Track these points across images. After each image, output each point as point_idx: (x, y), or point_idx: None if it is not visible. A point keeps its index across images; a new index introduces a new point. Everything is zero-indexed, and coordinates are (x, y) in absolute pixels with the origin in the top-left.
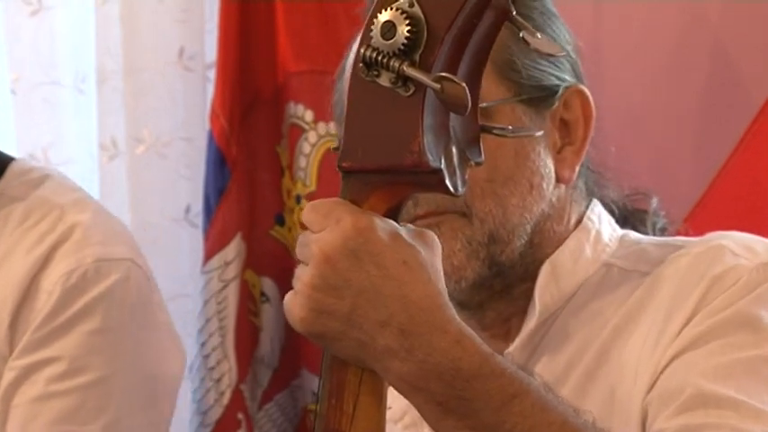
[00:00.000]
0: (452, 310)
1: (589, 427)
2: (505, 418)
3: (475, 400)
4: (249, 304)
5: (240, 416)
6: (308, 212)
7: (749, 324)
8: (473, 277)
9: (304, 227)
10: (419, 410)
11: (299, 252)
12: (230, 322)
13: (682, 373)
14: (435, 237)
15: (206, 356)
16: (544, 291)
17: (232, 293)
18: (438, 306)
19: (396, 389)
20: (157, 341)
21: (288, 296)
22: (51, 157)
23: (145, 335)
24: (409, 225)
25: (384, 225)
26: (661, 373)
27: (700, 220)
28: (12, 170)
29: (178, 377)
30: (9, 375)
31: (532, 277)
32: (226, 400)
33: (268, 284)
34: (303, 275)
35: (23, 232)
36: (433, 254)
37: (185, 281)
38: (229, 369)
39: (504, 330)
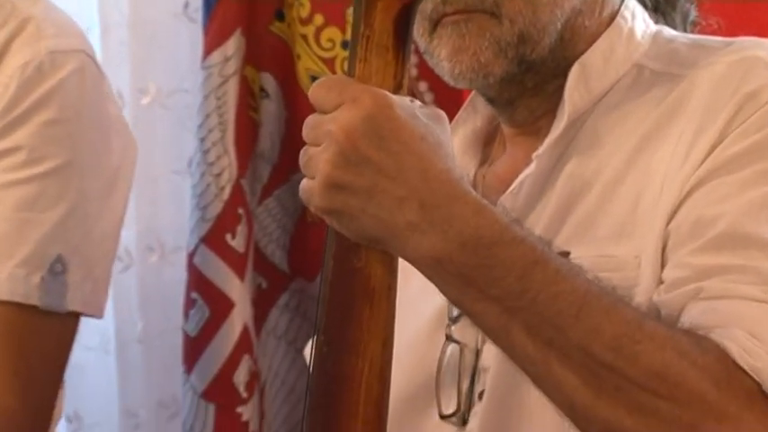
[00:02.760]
0: (469, 185)
1: (611, 293)
2: (528, 285)
3: (497, 267)
4: (249, 99)
5: (240, 210)
6: (319, 90)
7: None
8: (500, 74)
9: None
10: (440, 287)
11: (309, 134)
12: (230, 117)
13: (710, 204)
14: (446, 117)
15: (206, 152)
16: (573, 91)
17: (232, 89)
18: (456, 180)
19: (416, 265)
20: (113, 131)
21: (303, 182)
22: None
23: (100, 124)
24: (422, 105)
25: (402, 103)
26: (688, 195)
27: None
28: None
29: (131, 169)
30: None
31: (564, 74)
32: (226, 195)
33: (267, 80)
34: (321, 154)
35: None
36: (446, 133)
37: (184, 76)
38: (229, 164)
39: (535, 129)
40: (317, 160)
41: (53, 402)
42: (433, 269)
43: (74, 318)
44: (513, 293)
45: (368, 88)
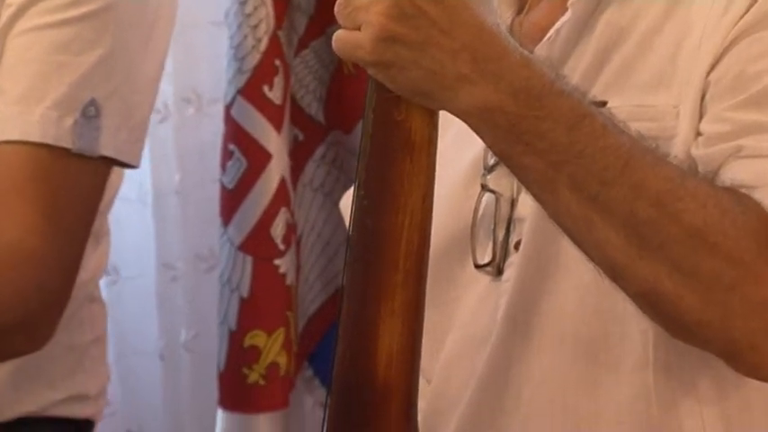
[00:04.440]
0: (514, 40)
1: (654, 151)
2: (576, 138)
3: (546, 119)
4: None
5: (277, 62)
6: None
7: None
8: None
9: None
10: (488, 140)
11: None
12: None
13: (753, 58)
14: None
15: (243, 3)
16: None
17: None
18: (505, 35)
19: (465, 118)
20: None
21: (341, 33)
22: None
23: None
24: None
25: None
26: (729, 46)
27: None
28: None
29: (170, 19)
30: (7, 12)
31: None
32: (263, 46)
33: None
34: (373, 6)
35: None
36: None
37: None
38: (266, 15)
39: None
40: (368, 12)
41: (81, 249)
42: (482, 121)
43: (106, 165)
44: (561, 146)
45: None
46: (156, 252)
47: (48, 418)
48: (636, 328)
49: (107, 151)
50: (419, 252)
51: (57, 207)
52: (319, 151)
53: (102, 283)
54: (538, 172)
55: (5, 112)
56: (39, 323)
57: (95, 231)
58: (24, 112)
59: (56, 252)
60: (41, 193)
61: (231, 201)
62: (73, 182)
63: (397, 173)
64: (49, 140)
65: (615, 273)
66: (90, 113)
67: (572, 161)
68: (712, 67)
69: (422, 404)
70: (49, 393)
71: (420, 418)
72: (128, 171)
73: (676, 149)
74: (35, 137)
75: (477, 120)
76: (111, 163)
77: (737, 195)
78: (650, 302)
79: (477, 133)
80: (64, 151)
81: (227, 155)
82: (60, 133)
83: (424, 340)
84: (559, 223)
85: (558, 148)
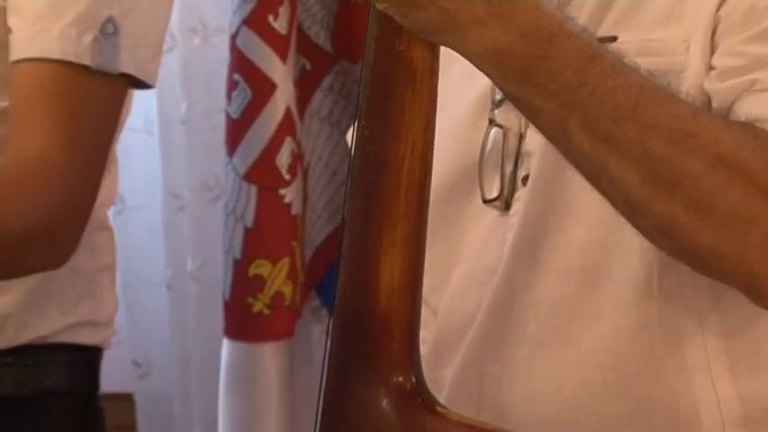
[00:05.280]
0: None
1: (665, 88)
2: (586, 78)
3: (556, 60)
4: None
5: None
6: None
7: None
8: None
9: None
10: (498, 81)
11: None
12: None
13: None
14: None
15: None
16: None
17: None
18: None
19: (474, 59)
20: None
21: None
22: None
23: None
24: None
25: None
26: None
27: None
28: None
29: None
30: None
31: None
32: None
33: None
34: None
35: None
36: None
37: None
38: None
39: None
40: None
41: (102, 166)
42: (492, 62)
43: (125, 84)
44: (571, 87)
45: None
46: (162, 181)
47: (57, 345)
48: (640, 260)
49: (127, 68)
50: (420, 183)
51: (77, 122)
52: (326, 81)
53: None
54: (549, 113)
55: (25, 31)
56: (60, 236)
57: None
58: (44, 30)
59: (77, 166)
60: (62, 109)
61: (236, 130)
62: (93, 98)
63: (398, 103)
64: (69, 57)
65: (631, 210)
66: (108, 31)
67: (583, 102)
68: (722, 2)
69: (428, 336)
70: (59, 319)
71: (426, 349)
72: (134, 101)
73: (687, 84)
74: (55, 54)
75: (485, 62)
76: (129, 82)
77: (753, 129)
78: (667, 238)
79: (488, 75)
80: (84, 68)
81: (232, 85)
82: (80, 50)
83: (430, 274)
84: (573, 163)
85: (568, 89)
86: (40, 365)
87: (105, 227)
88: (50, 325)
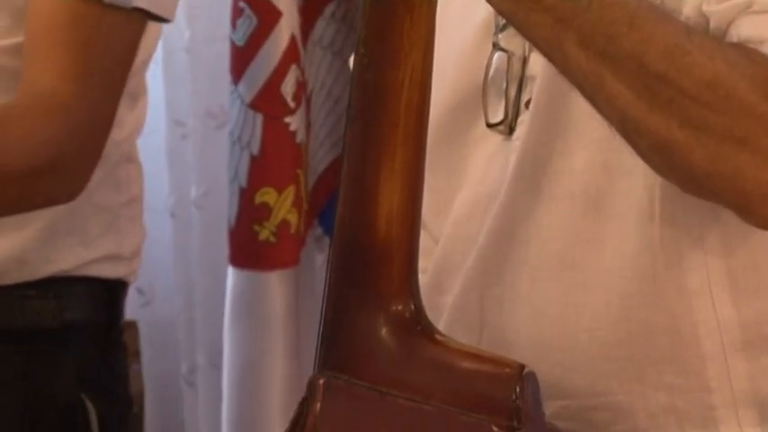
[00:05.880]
0: None
1: (660, 8)
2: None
3: None
4: None
5: None
6: None
7: None
8: None
9: None
10: (495, 1)
11: None
12: None
13: None
14: None
15: None
16: None
17: None
18: None
19: None
20: None
21: None
22: None
23: None
24: None
25: None
26: None
27: None
28: None
29: None
30: None
31: None
32: None
33: None
34: None
35: None
36: None
37: None
38: None
39: None
40: None
41: (115, 101)
42: None
43: (141, 18)
44: (566, 2)
45: None
46: (166, 109)
47: (80, 278)
48: (643, 181)
49: (140, 2)
50: (419, 110)
51: (90, 56)
52: (329, 9)
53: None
54: (545, 29)
55: None
56: (70, 170)
57: (132, 91)
58: None
59: (89, 100)
60: (75, 43)
61: (241, 58)
62: (106, 33)
63: (397, 29)
64: None
65: (627, 127)
66: None
67: (578, 17)
68: None
69: (429, 263)
70: (82, 252)
71: (427, 276)
72: None
73: (687, 8)
74: None
75: None
76: (145, 17)
77: (746, 50)
78: (662, 156)
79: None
80: (97, 2)
81: (237, 12)
82: None
83: (432, 198)
84: (570, 80)
85: (564, 5)
86: (61, 298)
87: (132, 160)
88: (73, 259)
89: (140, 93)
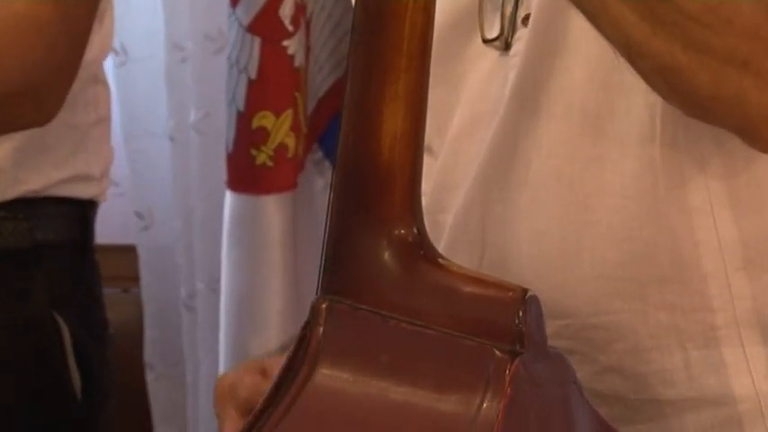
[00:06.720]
0: None
1: None
2: None
3: None
4: None
5: None
6: None
7: None
8: None
9: None
10: None
11: None
12: None
13: None
14: None
15: None
16: None
17: None
18: None
19: None
20: None
21: None
22: None
23: None
24: None
25: None
26: None
27: None
28: None
29: None
30: None
31: None
32: None
33: None
34: None
35: None
36: None
37: None
38: None
39: None
40: None
41: (90, 19)
42: None
43: None
44: None
45: None
46: (165, 33)
47: (51, 198)
48: (643, 101)
49: None
50: (423, 34)
51: None
52: None
53: (111, 63)
54: None
55: None
56: (46, 91)
57: (99, 10)
58: None
59: (63, 20)
60: None
61: None
62: None
63: None
64: None
65: (630, 50)
66: None
67: None
68: None
69: (428, 183)
70: (51, 172)
71: (427, 197)
72: None
73: None
74: None
75: None
76: None
77: None
78: (665, 79)
79: None
80: None
81: None
82: None
83: (431, 118)
84: (575, 3)
85: None
86: (32, 219)
87: (99, 80)
88: (43, 179)
89: (107, 11)
